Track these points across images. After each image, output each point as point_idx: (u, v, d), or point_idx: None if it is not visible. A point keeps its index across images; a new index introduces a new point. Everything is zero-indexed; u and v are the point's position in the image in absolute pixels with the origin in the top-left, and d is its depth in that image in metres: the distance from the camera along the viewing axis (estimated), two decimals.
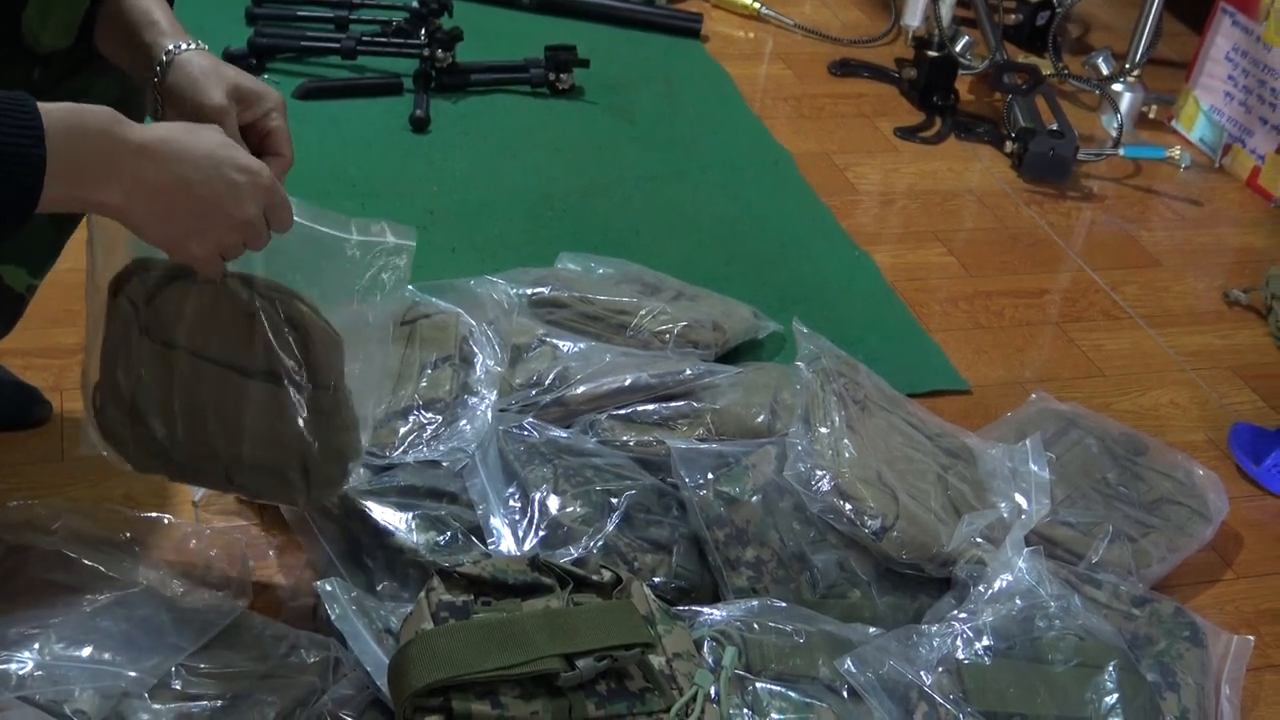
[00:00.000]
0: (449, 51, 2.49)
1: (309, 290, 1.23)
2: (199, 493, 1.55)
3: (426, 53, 2.48)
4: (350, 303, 1.27)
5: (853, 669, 1.34)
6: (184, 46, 1.18)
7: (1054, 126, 2.55)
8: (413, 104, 2.43)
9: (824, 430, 1.52)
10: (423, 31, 2.53)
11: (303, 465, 1.28)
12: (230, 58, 2.38)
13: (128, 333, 1.24)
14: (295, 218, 1.17)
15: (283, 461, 1.28)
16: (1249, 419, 1.94)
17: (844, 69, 2.85)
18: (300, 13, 2.63)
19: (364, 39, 2.54)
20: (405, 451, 1.56)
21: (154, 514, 1.48)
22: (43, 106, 0.99)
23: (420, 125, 2.39)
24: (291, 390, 1.23)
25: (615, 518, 1.45)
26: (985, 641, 1.38)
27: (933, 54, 2.72)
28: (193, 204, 1.08)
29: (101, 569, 1.36)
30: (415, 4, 2.58)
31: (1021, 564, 1.45)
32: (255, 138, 1.20)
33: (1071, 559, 1.56)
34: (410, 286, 1.76)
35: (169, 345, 1.23)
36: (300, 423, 1.25)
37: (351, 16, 2.64)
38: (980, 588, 1.44)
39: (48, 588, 1.33)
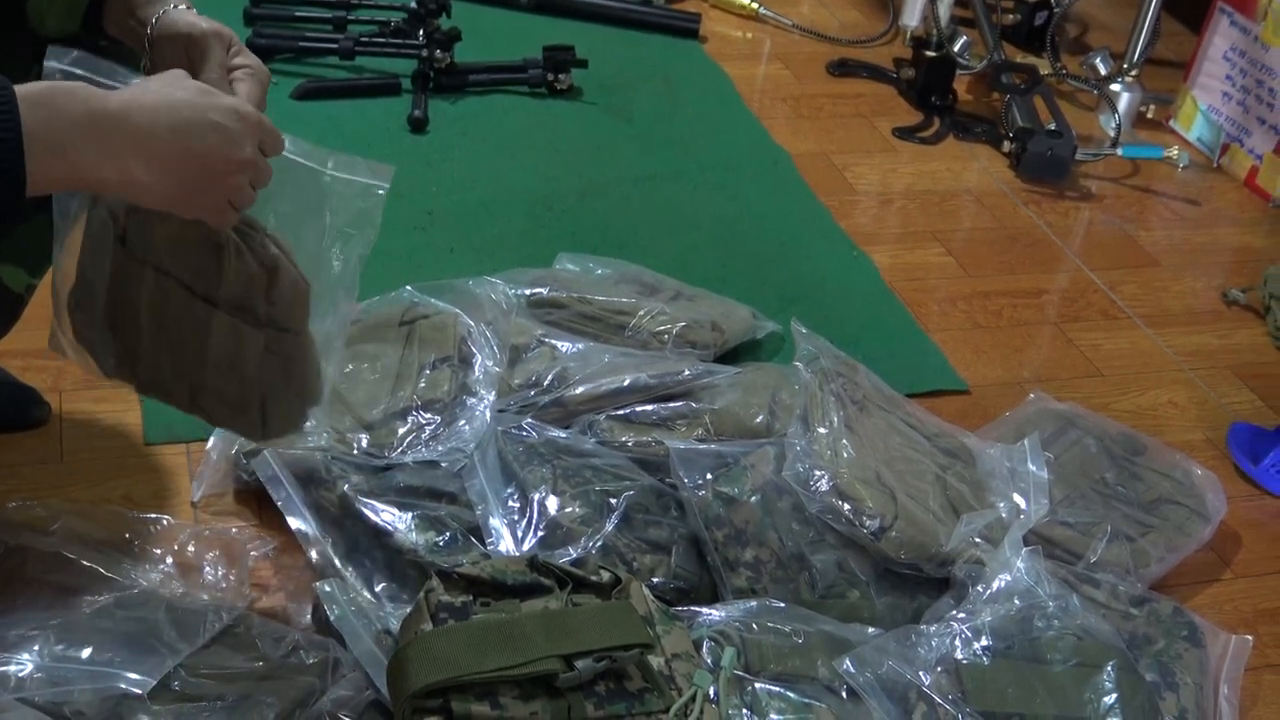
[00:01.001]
0: (447, 52, 2.49)
1: (280, 220, 1.22)
2: (198, 493, 1.56)
3: (425, 53, 2.48)
4: (320, 238, 1.25)
5: (851, 669, 1.34)
6: (174, 6, 1.21)
7: (1052, 126, 2.55)
8: (411, 104, 2.43)
9: (822, 430, 1.52)
10: (421, 32, 2.53)
11: (261, 403, 1.27)
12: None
13: (104, 237, 1.22)
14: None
15: (242, 396, 1.27)
16: (1247, 419, 1.94)
17: (842, 69, 2.85)
18: (298, 13, 2.63)
19: (362, 39, 2.54)
20: (404, 452, 1.56)
21: (153, 515, 1.48)
22: (17, 88, 0.99)
23: (418, 126, 2.39)
24: (253, 329, 1.22)
25: (614, 518, 1.45)
26: (984, 641, 1.38)
27: (931, 54, 2.72)
28: (190, 157, 1.07)
29: (100, 570, 1.36)
30: (413, 4, 2.59)
31: (1020, 564, 1.46)
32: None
33: (1070, 559, 1.56)
34: (408, 287, 1.76)
35: (142, 261, 1.21)
36: (259, 363, 1.24)
37: (349, 17, 2.64)
38: (979, 588, 1.44)
39: (47, 589, 1.33)
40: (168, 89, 1.08)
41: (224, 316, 1.21)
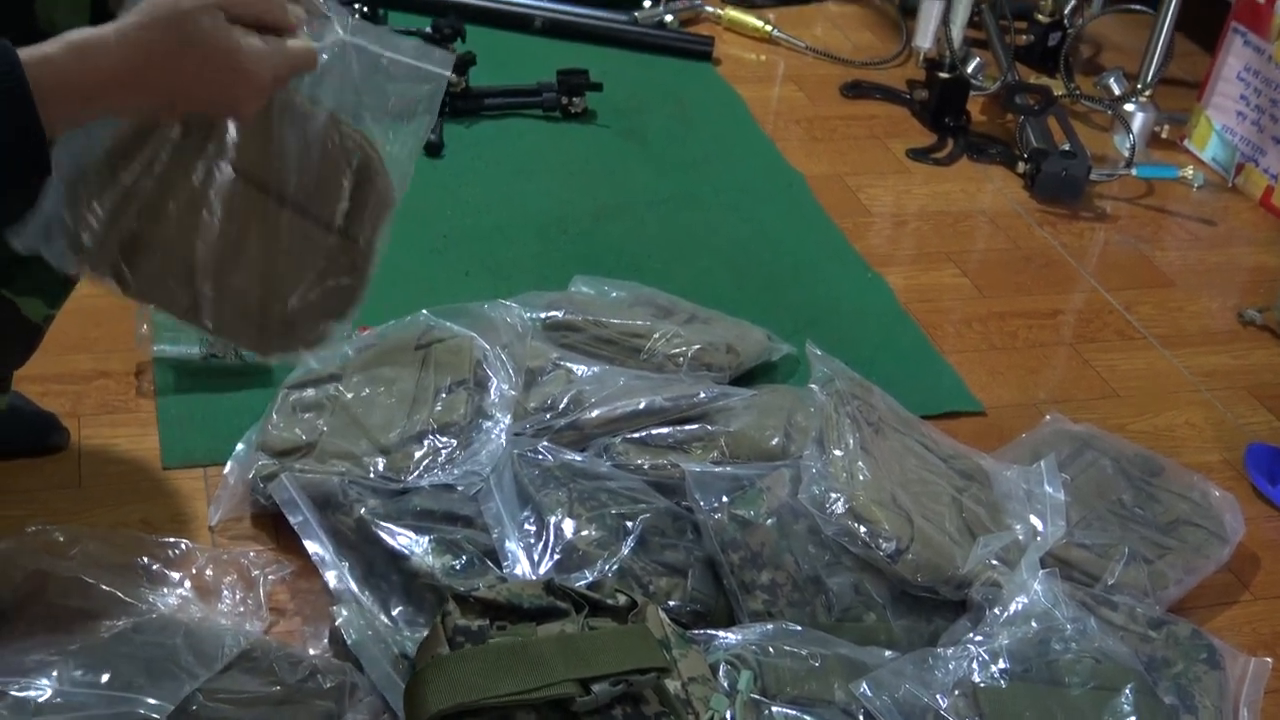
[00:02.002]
0: (462, 76, 2.50)
1: (339, 105, 1.14)
2: (215, 517, 1.56)
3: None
4: (379, 121, 1.18)
5: (868, 692, 1.33)
6: None
7: (1066, 147, 2.55)
8: None
9: (838, 453, 1.52)
10: None
11: (286, 311, 1.19)
12: None
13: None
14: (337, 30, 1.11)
15: (267, 300, 1.18)
16: (1265, 439, 1.94)
17: (856, 91, 2.86)
18: None
19: None
20: (420, 476, 1.56)
21: (170, 539, 1.49)
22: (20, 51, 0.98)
23: (434, 150, 2.40)
24: (320, 230, 1.16)
25: (630, 541, 1.45)
26: (1001, 664, 1.38)
27: (944, 75, 2.72)
28: (205, 66, 1.02)
29: (119, 594, 1.37)
30: (429, 29, 2.60)
31: (1037, 586, 1.45)
32: None
33: (1087, 581, 1.56)
34: (424, 311, 1.77)
35: (205, 137, 1.11)
36: (311, 267, 1.17)
37: None
38: (996, 610, 1.44)
39: (65, 613, 1.34)
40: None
41: (286, 212, 1.14)
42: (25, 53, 0.99)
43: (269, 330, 1.20)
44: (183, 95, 1.05)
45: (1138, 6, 2.86)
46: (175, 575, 1.44)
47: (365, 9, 2.71)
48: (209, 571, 1.46)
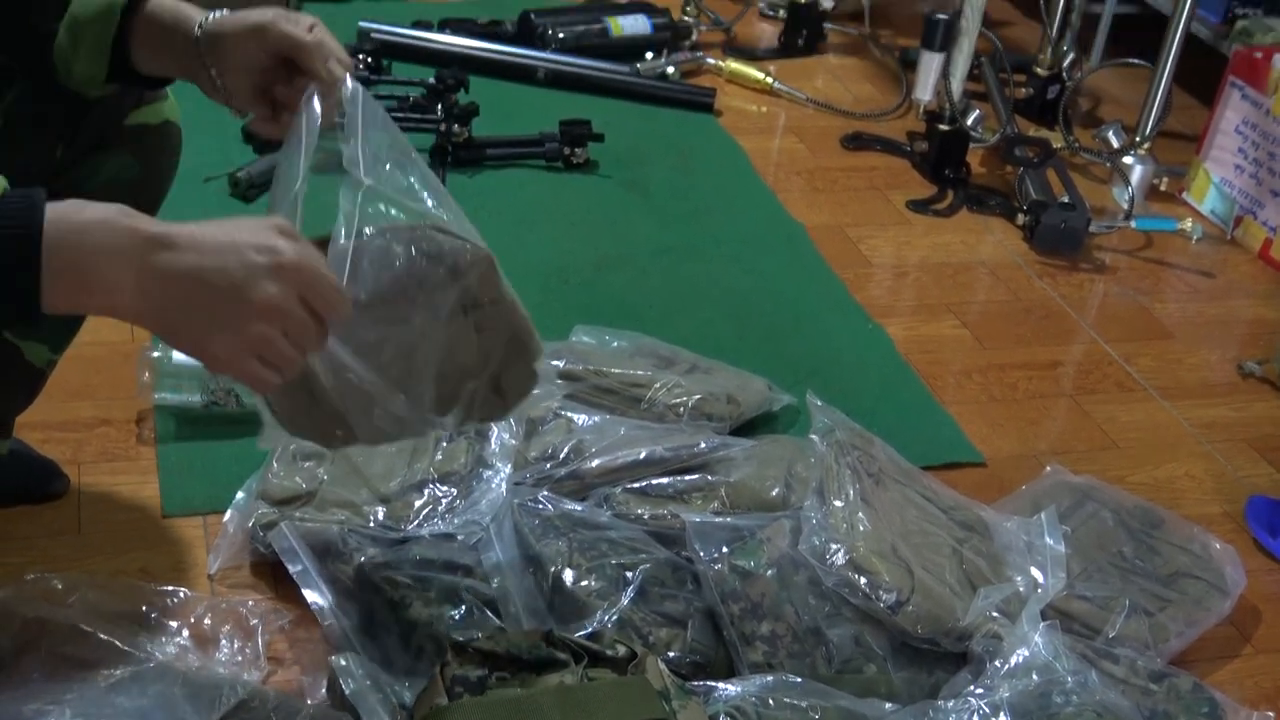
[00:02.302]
0: (465, 126, 2.52)
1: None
2: (214, 565, 1.56)
3: (443, 128, 2.51)
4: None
5: None
6: (218, 13, 1.21)
7: (1065, 199, 2.57)
8: None
9: (838, 503, 1.52)
10: (439, 107, 2.56)
11: (494, 380, 1.29)
12: (250, 132, 2.40)
13: None
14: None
15: (470, 385, 1.28)
16: (1265, 492, 1.93)
17: (856, 142, 2.88)
18: None
19: None
20: (420, 525, 1.56)
21: (169, 587, 1.49)
22: (49, 207, 0.95)
23: None
24: (461, 316, 1.22)
25: (630, 592, 1.45)
26: (1002, 717, 1.37)
27: (944, 127, 2.74)
28: (205, 293, 0.98)
29: (117, 643, 1.36)
30: (432, 80, 2.62)
31: (1038, 638, 1.45)
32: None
33: (1088, 633, 1.55)
34: None
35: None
36: (476, 346, 1.25)
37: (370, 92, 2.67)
38: (997, 663, 1.43)
39: (63, 662, 1.33)
40: (221, 226, 1.01)
41: (443, 322, 1.21)
42: (60, 215, 0.96)
43: (491, 403, 1.32)
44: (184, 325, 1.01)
45: (1136, 60, 2.88)
46: (174, 624, 1.44)
47: (370, 60, 2.74)
48: (208, 620, 1.46)
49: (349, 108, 1.18)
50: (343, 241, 1.10)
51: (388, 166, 1.16)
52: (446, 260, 1.21)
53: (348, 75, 1.20)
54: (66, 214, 0.96)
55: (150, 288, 0.97)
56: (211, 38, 1.20)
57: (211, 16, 1.21)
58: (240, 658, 1.42)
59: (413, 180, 1.20)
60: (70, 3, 1.22)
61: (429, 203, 1.20)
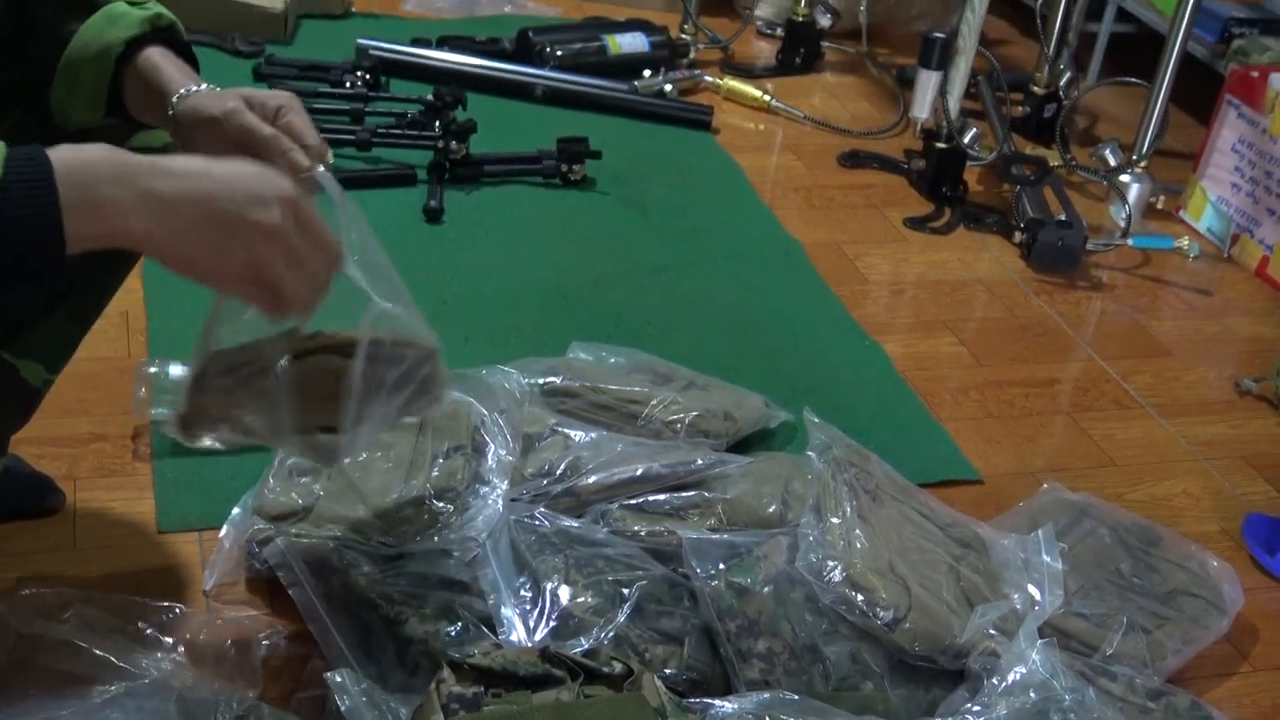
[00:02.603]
0: (463, 143, 2.52)
1: None
2: (210, 581, 1.56)
3: (441, 144, 2.52)
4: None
5: None
6: (194, 89, 1.22)
7: (1062, 217, 2.57)
8: (427, 194, 2.46)
9: (835, 520, 1.52)
10: (437, 124, 2.57)
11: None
12: None
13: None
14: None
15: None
16: (1262, 509, 1.93)
17: (853, 160, 2.88)
18: (316, 105, 2.67)
19: (379, 131, 2.58)
20: (417, 541, 1.56)
21: (165, 603, 1.48)
22: (50, 151, 0.99)
23: (434, 216, 2.41)
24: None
25: (627, 608, 1.45)
26: None
27: (941, 145, 2.75)
28: (215, 215, 1.04)
29: (112, 659, 1.36)
30: (430, 97, 2.62)
31: (1035, 656, 1.44)
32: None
33: (1086, 651, 1.55)
34: None
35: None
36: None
37: (367, 109, 2.68)
38: (994, 680, 1.43)
39: (58, 678, 1.33)
40: (214, 159, 1.08)
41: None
42: (64, 156, 0.99)
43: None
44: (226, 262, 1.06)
45: (1132, 79, 2.89)
46: (169, 640, 1.43)
47: (368, 78, 2.74)
48: (203, 636, 1.45)
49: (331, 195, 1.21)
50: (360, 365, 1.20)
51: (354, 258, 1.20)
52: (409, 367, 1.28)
53: (318, 163, 1.22)
54: (68, 154, 0.99)
55: (160, 209, 1.02)
56: (180, 120, 1.22)
57: (186, 91, 1.23)
58: (236, 674, 1.42)
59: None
60: (64, 50, 1.23)
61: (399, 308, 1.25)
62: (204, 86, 1.23)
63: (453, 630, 1.43)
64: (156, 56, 1.25)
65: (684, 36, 3.24)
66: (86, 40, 1.24)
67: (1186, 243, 2.59)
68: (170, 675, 1.37)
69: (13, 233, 0.97)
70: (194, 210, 1.03)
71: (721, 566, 1.49)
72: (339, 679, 1.35)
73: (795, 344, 2.20)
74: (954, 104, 2.74)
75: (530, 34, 3.05)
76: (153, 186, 1.01)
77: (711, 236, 2.51)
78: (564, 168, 2.58)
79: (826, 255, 2.49)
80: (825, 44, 3.36)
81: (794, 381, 2.08)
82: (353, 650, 1.44)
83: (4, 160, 0.97)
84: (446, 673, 1.24)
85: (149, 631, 1.43)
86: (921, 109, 2.83)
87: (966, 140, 2.76)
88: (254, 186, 1.06)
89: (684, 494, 1.65)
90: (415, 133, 2.57)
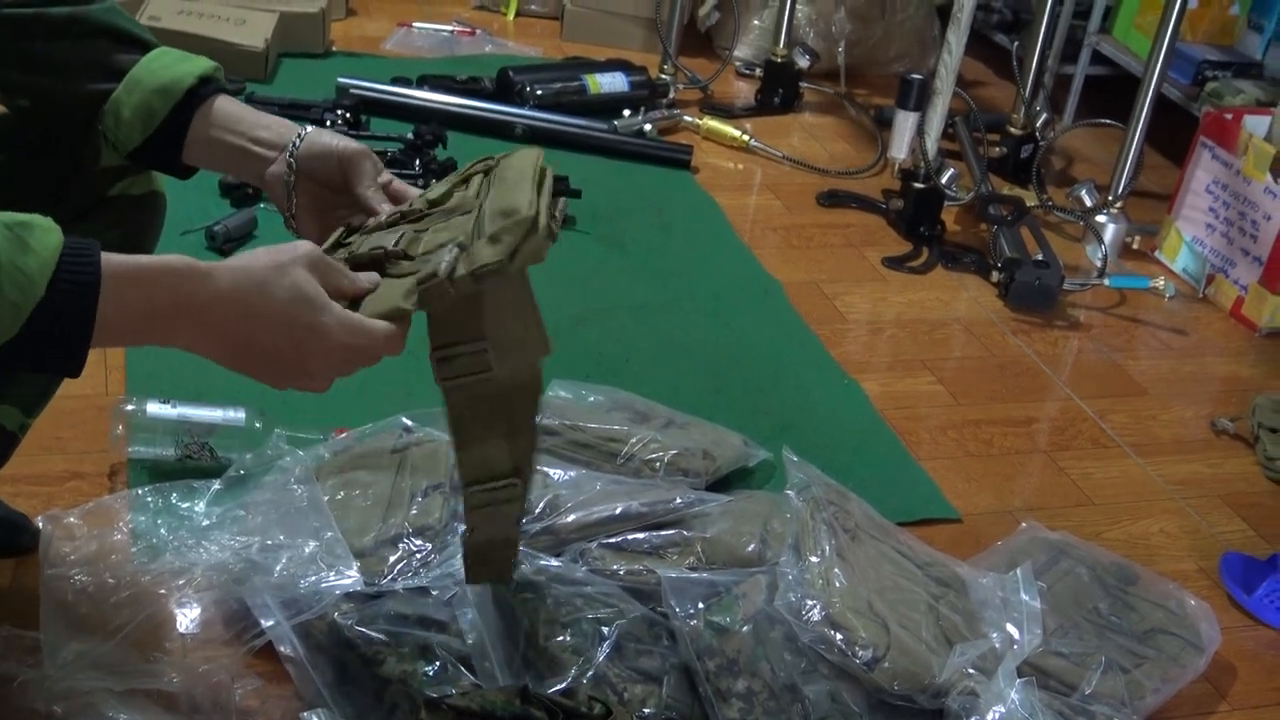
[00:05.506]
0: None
1: None
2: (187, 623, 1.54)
3: (421, 183, 2.52)
4: None
5: None
6: (309, 129, 1.29)
7: (1039, 257, 2.59)
8: None
9: (814, 559, 1.52)
10: (417, 162, 2.57)
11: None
12: (228, 186, 2.41)
13: None
14: None
15: None
16: (1239, 548, 1.94)
17: (832, 200, 2.90)
18: None
19: None
20: (395, 579, 1.55)
21: (140, 643, 1.47)
22: (110, 262, 0.99)
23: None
24: None
25: (605, 648, 1.44)
26: None
27: (919, 185, 2.77)
28: (260, 356, 1.07)
29: (90, 702, 1.35)
30: (410, 135, 2.63)
31: (1014, 695, 1.44)
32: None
33: (1064, 690, 1.55)
34: (402, 416, 1.77)
35: None
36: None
37: None
38: (973, 719, 1.43)
39: (34, 719, 1.32)
40: (271, 282, 1.06)
41: None
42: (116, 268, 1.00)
43: None
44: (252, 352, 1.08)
45: (1108, 121, 2.92)
46: (145, 682, 1.42)
47: (349, 116, 2.75)
48: (177, 677, 1.44)
49: None
50: None
51: None
52: None
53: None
54: (121, 268, 1.00)
55: (208, 341, 1.06)
56: (303, 151, 1.27)
57: (306, 132, 1.28)
58: (214, 715, 1.40)
59: None
60: (122, 75, 1.24)
61: None
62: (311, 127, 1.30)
63: (431, 670, 1.42)
64: (229, 102, 1.28)
65: (664, 76, 3.26)
66: (155, 68, 1.25)
67: (1162, 283, 2.61)
68: (145, 717, 1.36)
69: (41, 340, 0.97)
70: (240, 347, 1.06)
71: (700, 605, 1.48)
72: (316, 719, 1.34)
73: (774, 382, 2.20)
74: (932, 144, 2.76)
75: (511, 73, 3.07)
76: (207, 319, 1.04)
77: (691, 275, 2.51)
78: None
79: (805, 294, 2.50)
80: (804, 84, 3.38)
81: (773, 420, 2.08)
82: (330, 690, 1.43)
83: (58, 258, 0.97)
84: (425, 713, 1.23)
85: (124, 673, 1.42)
86: (899, 149, 2.86)
87: (944, 180, 2.78)
88: (300, 337, 1.07)
89: (663, 533, 1.65)
90: (395, 171, 2.57)
